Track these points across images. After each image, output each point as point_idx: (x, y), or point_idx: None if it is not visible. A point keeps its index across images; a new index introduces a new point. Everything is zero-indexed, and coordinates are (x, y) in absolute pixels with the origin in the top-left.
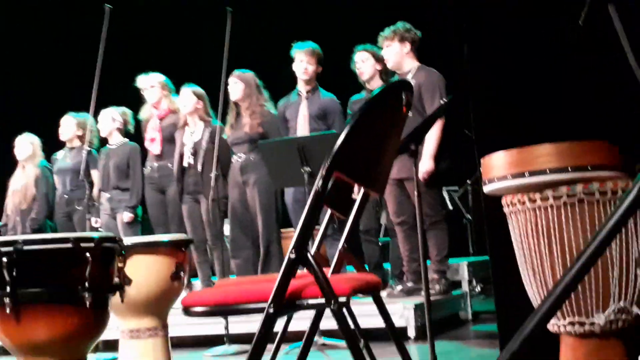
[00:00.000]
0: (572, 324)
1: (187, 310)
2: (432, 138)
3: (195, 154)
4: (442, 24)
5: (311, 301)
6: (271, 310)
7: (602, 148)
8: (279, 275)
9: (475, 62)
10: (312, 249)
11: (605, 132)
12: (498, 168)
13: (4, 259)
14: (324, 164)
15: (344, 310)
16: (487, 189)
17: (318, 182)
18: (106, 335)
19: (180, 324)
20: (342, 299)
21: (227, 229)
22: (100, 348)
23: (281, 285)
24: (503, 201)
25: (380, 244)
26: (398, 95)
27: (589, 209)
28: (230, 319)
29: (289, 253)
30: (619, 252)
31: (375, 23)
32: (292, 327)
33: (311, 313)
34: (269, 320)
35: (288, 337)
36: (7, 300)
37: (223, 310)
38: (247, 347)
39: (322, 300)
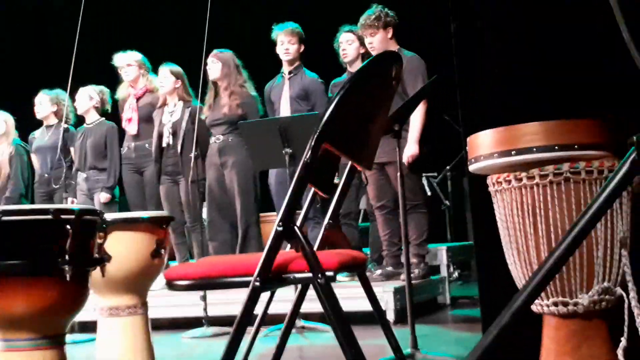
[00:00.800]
0: (555, 304)
1: (170, 284)
2: (416, 122)
3: (174, 134)
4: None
5: (297, 275)
6: (257, 284)
7: (590, 127)
8: (265, 248)
9: (462, 38)
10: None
11: (598, 108)
12: (484, 146)
13: None
14: (313, 134)
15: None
16: (472, 167)
17: (307, 154)
18: (82, 316)
19: (158, 306)
20: (329, 273)
21: (205, 212)
22: (76, 329)
23: (267, 258)
24: (488, 180)
25: (359, 228)
26: (388, 67)
27: (575, 188)
28: (209, 299)
29: (275, 226)
30: (603, 232)
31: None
32: (270, 310)
33: (291, 296)
34: (255, 294)
35: (266, 320)
36: None
37: (207, 283)
38: (226, 329)
39: (309, 274)
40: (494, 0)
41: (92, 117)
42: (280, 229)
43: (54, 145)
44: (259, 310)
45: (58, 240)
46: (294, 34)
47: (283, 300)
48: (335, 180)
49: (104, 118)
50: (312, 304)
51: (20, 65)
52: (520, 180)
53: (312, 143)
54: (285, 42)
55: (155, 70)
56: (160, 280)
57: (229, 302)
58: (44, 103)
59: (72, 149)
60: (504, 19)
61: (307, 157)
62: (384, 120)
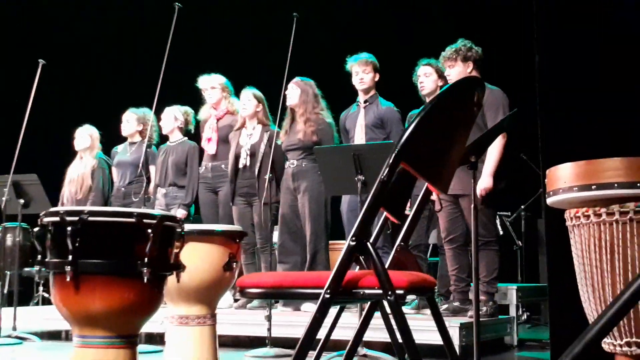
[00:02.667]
0: (628, 344)
1: (242, 291)
2: (492, 155)
3: (252, 155)
4: (505, 39)
5: (367, 291)
6: (327, 296)
7: None
8: (337, 262)
9: (545, 70)
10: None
11: None
12: (564, 179)
13: (69, 228)
14: (391, 153)
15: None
16: (550, 200)
17: (384, 171)
18: (149, 327)
19: (223, 323)
20: (400, 292)
21: (276, 234)
22: (143, 340)
23: (339, 272)
24: (566, 214)
25: (428, 262)
26: (470, 92)
27: None
28: (274, 320)
29: (349, 240)
30: None
31: (438, 36)
32: (333, 336)
33: (354, 323)
34: (324, 306)
35: (328, 346)
36: (68, 268)
37: (279, 293)
38: (288, 351)
39: (379, 291)
40: (578, 33)
41: (176, 137)
42: (354, 243)
43: (135, 162)
44: (322, 334)
45: (139, 243)
46: (367, 63)
47: (346, 326)
48: (407, 212)
49: (186, 137)
50: (376, 332)
51: (108, 82)
52: (600, 215)
53: (390, 161)
54: (360, 72)
55: (237, 93)
56: (226, 299)
57: (293, 324)
58: (131, 121)
59: (151, 167)
60: (588, 53)
61: (384, 175)
62: (462, 145)
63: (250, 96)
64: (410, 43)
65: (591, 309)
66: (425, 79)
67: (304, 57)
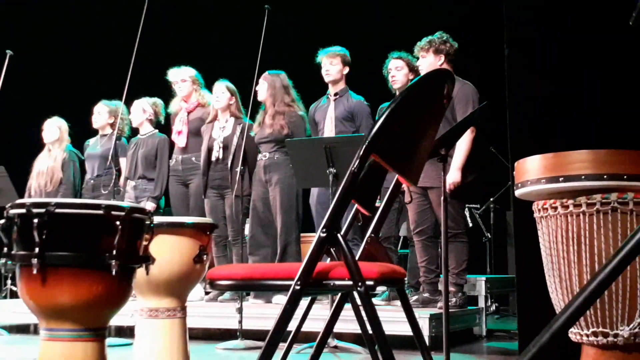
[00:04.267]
0: (595, 334)
1: (212, 283)
2: (461, 149)
3: (225, 148)
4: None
5: (338, 282)
6: (297, 287)
7: None
8: (307, 254)
9: (514, 64)
10: None
11: None
12: (532, 171)
13: (35, 220)
14: (362, 144)
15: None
16: (518, 192)
17: (354, 163)
18: (119, 320)
19: (194, 315)
20: (370, 283)
21: (247, 227)
22: (112, 333)
23: (309, 263)
24: (534, 206)
25: (398, 254)
26: (440, 84)
27: (622, 218)
28: (245, 313)
29: (319, 232)
30: None
31: (412, 29)
32: (304, 328)
33: (325, 315)
34: (295, 297)
35: (299, 338)
36: (34, 261)
37: (249, 285)
38: (259, 343)
39: (349, 282)
40: (547, 28)
41: (146, 129)
42: (324, 235)
43: (105, 154)
44: (292, 326)
45: (107, 235)
46: (335, 56)
47: (317, 318)
48: (377, 204)
49: (157, 130)
50: (346, 324)
51: (77, 74)
52: (567, 207)
53: (361, 153)
54: (327, 64)
55: (207, 86)
56: (197, 292)
57: (264, 317)
58: (102, 113)
59: (121, 160)
60: (557, 48)
61: (355, 166)
62: (432, 138)
63: (223, 89)
64: (382, 36)
65: (558, 300)
66: (397, 73)
67: (275, 49)
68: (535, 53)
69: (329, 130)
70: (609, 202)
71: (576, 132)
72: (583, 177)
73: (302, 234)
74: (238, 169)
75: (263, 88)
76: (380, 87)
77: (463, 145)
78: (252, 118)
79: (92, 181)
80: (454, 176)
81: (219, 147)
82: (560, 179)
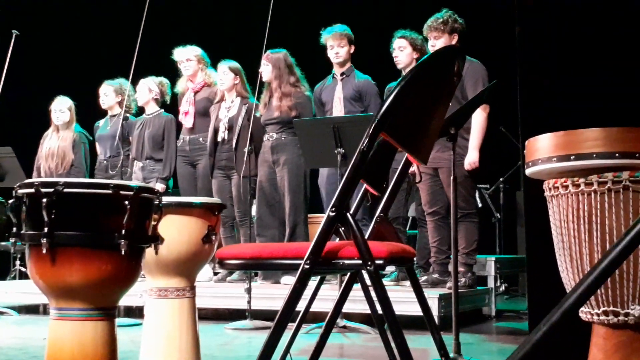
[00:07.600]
0: (605, 313)
1: (221, 263)
2: (477, 128)
3: (230, 129)
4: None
5: (347, 261)
6: (307, 266)
7: None
8: (317, 233)
9: (526, 43)
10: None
11: None
12: (543, 150)
13: (44, 200)
14: (371, 123)
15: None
16: (529, 171)
17: (364, 141)
18: (128, 301)
19: (203, 296)
20: (379, 262)
21: (254, 208)
22: (122, 314)
23: (318, 243)
24: (545, 185)
25: (407, 235)
26: (451, 61)
27: (634, 197)
28: (254, 293)
29: (328, 211)
30: None
31: (418, 5)
32: (313, 308)
33: (334, 295)
34: (304, 276)
35: (308, 318)
36: (44, 240)
37: (258, 264)
38: (268, 323)
39: (358, 261)
40: (560, 4)
41: (152, 109)
42: (333, 214)
43: (115, 134)
44: (301, 306)
45: (116, 215)
46: (342, 36)
47: (326, 298)
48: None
49: (163, 110)
50: (355, 304)
51: (83, 54)
52: (578, 186)
53: (370, 131)
54: (335, 45)
55: (214, 65)
56: (206, 272)
57: (273, 297)
58: (109, 94)
59: (131, 139)
60: (570, 24)
61: (364, 145)
62: (442, 116)
63: (226, 69)
64: (387, 13)
65: (569, 279)
66: (400, 53)
67: (279, 28)
68: (547, 32)
69: (337, 110)
70: (620, 180)
71: (588, 110)
72: (595, 155)
73: (309, 215)
74: (246, 150)
75: (267, 69)
76: (387, 66)
77: (478, 124)
78: (259, 98)
79: (105, 162)
80: (472, 156)
81: (225, 128)
82: (572, 157)
